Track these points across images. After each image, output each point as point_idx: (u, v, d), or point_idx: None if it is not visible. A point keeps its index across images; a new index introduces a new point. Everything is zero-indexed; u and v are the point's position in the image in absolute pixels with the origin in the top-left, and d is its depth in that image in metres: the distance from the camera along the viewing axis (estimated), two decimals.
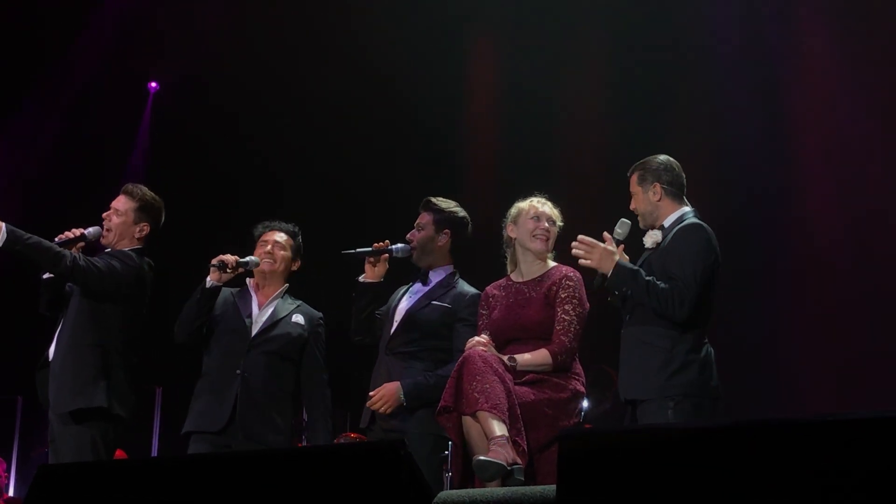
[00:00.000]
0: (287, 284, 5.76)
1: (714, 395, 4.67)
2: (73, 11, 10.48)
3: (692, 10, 9.08)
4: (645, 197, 4.91)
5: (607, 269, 4.71)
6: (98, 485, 3.67)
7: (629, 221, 4.91)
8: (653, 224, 4.90)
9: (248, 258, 5.60)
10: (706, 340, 4.73)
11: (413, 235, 5.47)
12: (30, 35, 10.31)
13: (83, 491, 3.65)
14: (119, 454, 6.39)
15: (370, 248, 5.40)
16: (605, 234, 4.83)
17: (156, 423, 10.26)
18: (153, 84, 11.33)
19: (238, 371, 5.44)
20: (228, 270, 5.49)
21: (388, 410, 5.16)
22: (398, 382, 5.18)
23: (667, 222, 4.86)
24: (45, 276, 5.61)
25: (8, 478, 9.95)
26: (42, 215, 9.48)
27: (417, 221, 5.50)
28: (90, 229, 5.65)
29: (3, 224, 5.23)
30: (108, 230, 5.65)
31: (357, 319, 5.50)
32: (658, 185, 4.88)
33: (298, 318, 5.62)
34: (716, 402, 4.68)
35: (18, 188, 10.48)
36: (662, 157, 4.95)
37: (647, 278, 4.67)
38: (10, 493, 9.95)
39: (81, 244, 5.61)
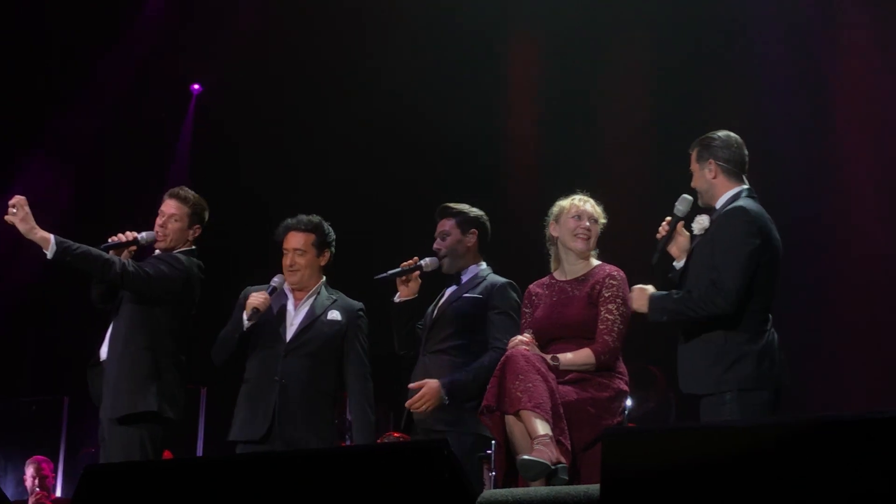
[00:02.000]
0: (324, 278, 5.61)
1: (776, 385, 4.52)
2: (116, 12, 10.58)
3: (734, 6, 9.03)
4: (701, 174, 4.78)
5: (643, 307, 4.67)
6: (144, 485, 3.69)
7: (690, 198, 4.82)
8: (709, 202, 4.78)
9: (273, 283, 5.48)
10: (767, 328, 4.55)
11: (439, 245, 5.44)
12: (71, 38, 10.42)
13: (129, 491, 3.67)
14: (166, 455, 6.44)
15: (399, 269, 5.36)
16: (667, 220, 4.82)
17: (201, 423, 10.32)
18: (196, 86, 11.38)
19: (276, 378, 5.37)
20: (262, 310, 5.40)
21: (430, 409, 5.14)
22: (438, 381, 5.15)
23: (720, 203, 4.72)
24: None
25: (55, 478, 10.05)
26: (88, 217, 9.60)
27: (439, 230, 5.46)
28: (143, 234, 5.61)
29: (52, 236, 5.25)
30: (165, 236, 5.62)
31: (399, 336, 5.49)
32: (713, 163, 4.73)
33: (335, 315, 5.50)
34: (779, 393, 4.52)
35: (62, 195, 10.57)
36: (722, 133, 4.79)
37: (677, 296, 4.58)
38: (58, 493, 10.05)
39: (133, 248, 5.62)
